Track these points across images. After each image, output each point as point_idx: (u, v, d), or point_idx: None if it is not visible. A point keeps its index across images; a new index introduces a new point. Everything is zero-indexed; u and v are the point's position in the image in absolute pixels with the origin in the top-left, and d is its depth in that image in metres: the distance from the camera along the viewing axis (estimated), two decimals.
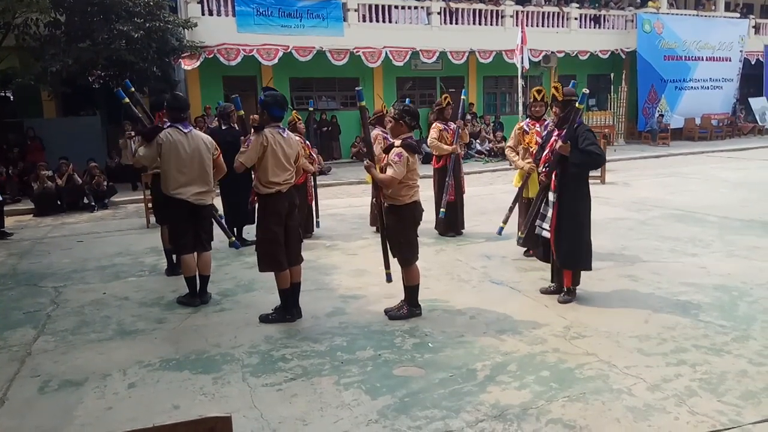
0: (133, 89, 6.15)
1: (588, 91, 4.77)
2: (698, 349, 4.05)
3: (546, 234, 5.07)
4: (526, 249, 6.43)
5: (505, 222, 6.48)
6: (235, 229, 7.16)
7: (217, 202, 6.02)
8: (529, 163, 6.15)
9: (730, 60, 22.58)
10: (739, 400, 3.35)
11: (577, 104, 4.77)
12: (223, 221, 6.39)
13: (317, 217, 8.07)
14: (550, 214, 5.02)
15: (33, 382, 3.87)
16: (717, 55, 22.23)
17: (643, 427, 3.12)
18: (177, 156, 5.02)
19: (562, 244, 4.95)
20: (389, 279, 4.83)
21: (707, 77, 22.25)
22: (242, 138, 4.80)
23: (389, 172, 4.42)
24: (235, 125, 6.82)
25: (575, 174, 4.82)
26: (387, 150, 4.61)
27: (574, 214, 4.88)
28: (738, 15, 23.38)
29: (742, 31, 22.71)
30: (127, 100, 5.62)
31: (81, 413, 3.45)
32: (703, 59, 21.93)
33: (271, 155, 4.52)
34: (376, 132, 7.45)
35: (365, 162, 4.63)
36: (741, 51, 22.77)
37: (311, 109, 8.55)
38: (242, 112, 5.22)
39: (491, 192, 10.74)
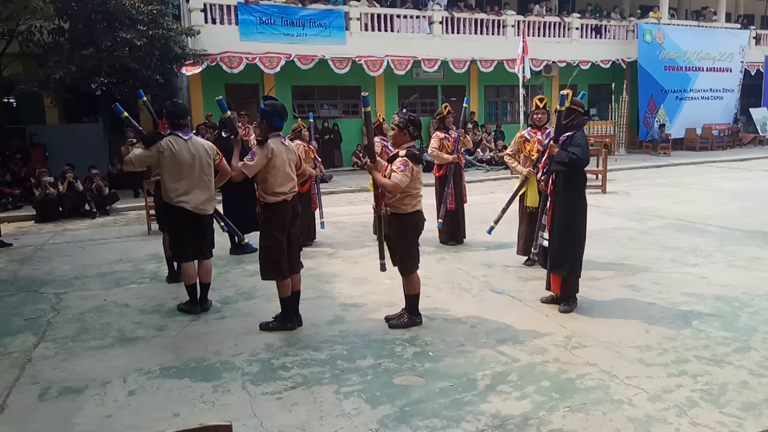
0: (145, 98, 6.11)
1: (566, 93, 4.79)
2: (699, 359, 4.04)
3: (545, 243, 5.09)
4: (526, 258, 6.44)
5: (496, 222, 6.54)
6: (236, 237, 7.15)
7: (219, 209, 6.03)
8: (528, 168, 6.19)
9: (730, 71, 22.65)
10: (740, 411, 3.34)
11: (557, 107, 4.83)
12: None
13: (321, 218, 8.10)
14: (545, 220, 5.06)
15: (33, 389, 3.86)
16: (718, 65, 22.30)
17: None
18: (178, 164, 5.02)
19: (552, 245, 4.96)
20: (383, 268, 4.81)
21: (708, 88, 22.31)
22: (232, 138, 4.80)
23: (394, 178, 4.43)
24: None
25: (565, 176, 4.83)
26: (391, 159, 4.62)
27: (566, 217, 4.89)
28: (739, 26, 23.48)
29: (742, 42, 22.81)
30: (126, 114, 5.61)
31: (81, 420, 3.45)
32: (703, 70, 22.00)
33: (277, 167, 4.55)
34: (375, 140, 7.47)
35: (367, 162, 4.61)
36: (742, 62, 22.85)
37: (312, 120, 8.56)
38: (229, 113, 5.19)
39: (492, 201, 10.73)
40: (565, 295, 5.06)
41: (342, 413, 3.43)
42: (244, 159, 4.54)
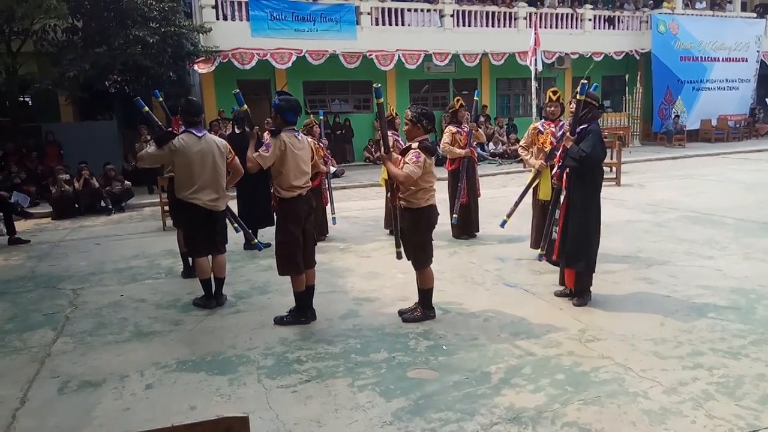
0: (161, 98, 6.22)
1: (587, 82, 4.75)
2: (715, 352, 4.02)
3: (555, 235, 5.05)
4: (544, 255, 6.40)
5: (509, 216, 6.50)
6: (250, 231, 7.19)
7: (233, 205, 6.06)
8: (540, 161, 6.15)
9: (746, 60, 22.31)
10: (757, 404, 3.32)
11: (578, 95, 4.78)
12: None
13: (333, 213, 8.12)
14: (558, 215, 5.02)
15: (52, 382, 3.93)
16: (733, 55, 21.98)
17: (660, 430, 3.11)
18: (190, 161, 5.05)
19: (566, 240, 4.93)
20: (399, 256, 4.82)
21: (723, 78, 21.99)
22: (248, 131, 4.86)
23: (406, 169, 4.45)
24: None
25: (579, 171, 4.80)
26: (403, 152, 4.63)
27: (581, 212, 4.85)
28: (754, 15, 23.11)
29: (758, 31, 22.44)
30: (146, 109, 5.68)
31: (99, 414, 3.50)
32: (719, 60, 21.69)
33: (290, 160, 4.58)
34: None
35: (381, 153, 4.66)
36: (758, 51, 22.48)
37: (322, 117, 8.55)
38: (245, 107, 5.23)
39: (505, 194, 10.69)
40: (579, 289, 5.04)
41: (356, 406, 3.45)
42: (259, 150, 4.57)
